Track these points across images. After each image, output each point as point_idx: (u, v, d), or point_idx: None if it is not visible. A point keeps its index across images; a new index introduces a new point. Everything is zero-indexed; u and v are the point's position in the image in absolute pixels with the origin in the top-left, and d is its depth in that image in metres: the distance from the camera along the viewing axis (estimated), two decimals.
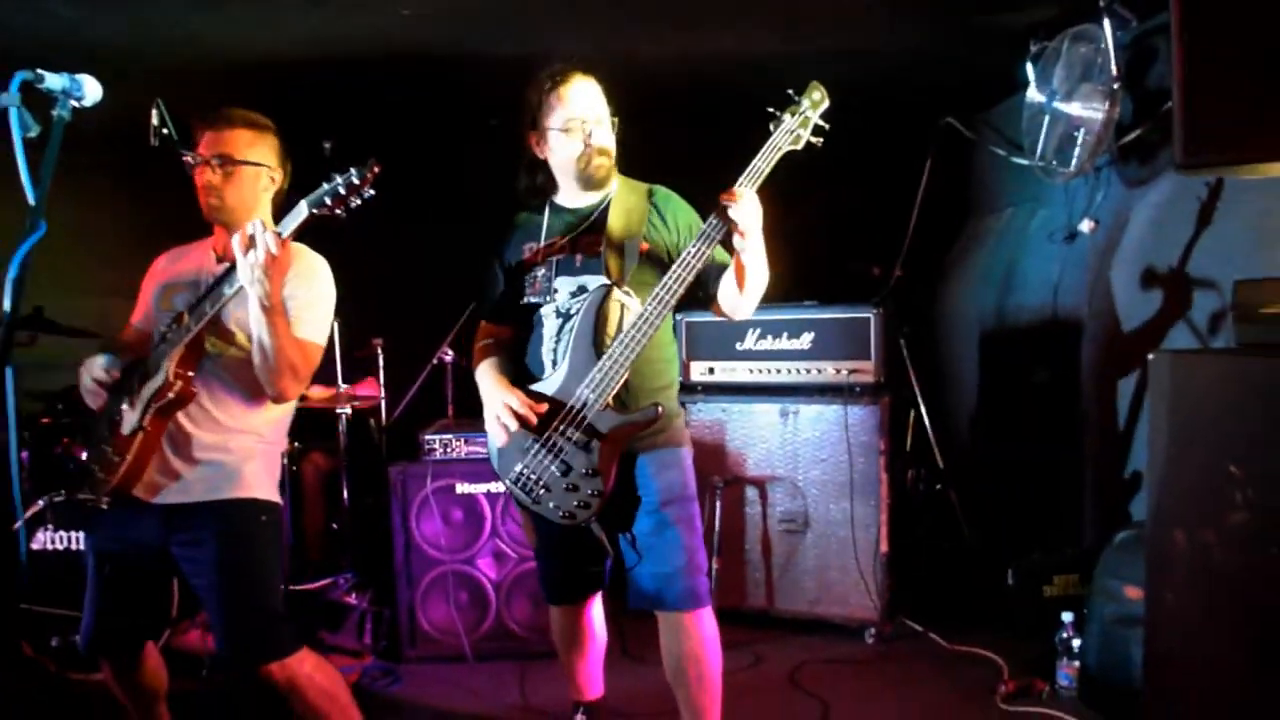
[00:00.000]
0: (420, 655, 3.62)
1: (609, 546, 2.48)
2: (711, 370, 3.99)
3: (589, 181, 2.50)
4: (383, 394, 4.19)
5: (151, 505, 2.40)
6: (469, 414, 3.90)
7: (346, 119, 4.63)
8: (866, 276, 4.50)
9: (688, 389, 3.98)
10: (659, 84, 4.13)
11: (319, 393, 3.96)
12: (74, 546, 3.61)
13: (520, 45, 3.63)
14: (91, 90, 1.74)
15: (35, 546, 3.62)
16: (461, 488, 3.62)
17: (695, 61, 4.04)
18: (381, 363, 4.19)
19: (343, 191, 2.18)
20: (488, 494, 3.62)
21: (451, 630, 3.60)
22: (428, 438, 3.70)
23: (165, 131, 3.11)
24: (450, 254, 3.88)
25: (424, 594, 3.63)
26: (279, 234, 2.22)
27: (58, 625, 3.50)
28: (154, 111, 3.08)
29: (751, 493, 3.88)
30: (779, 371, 3.90)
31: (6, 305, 1.43)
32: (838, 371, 3.80)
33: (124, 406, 2.38)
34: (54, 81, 1.64)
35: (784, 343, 3.87)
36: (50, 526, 3.62)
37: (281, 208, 2.49)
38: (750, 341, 3.93)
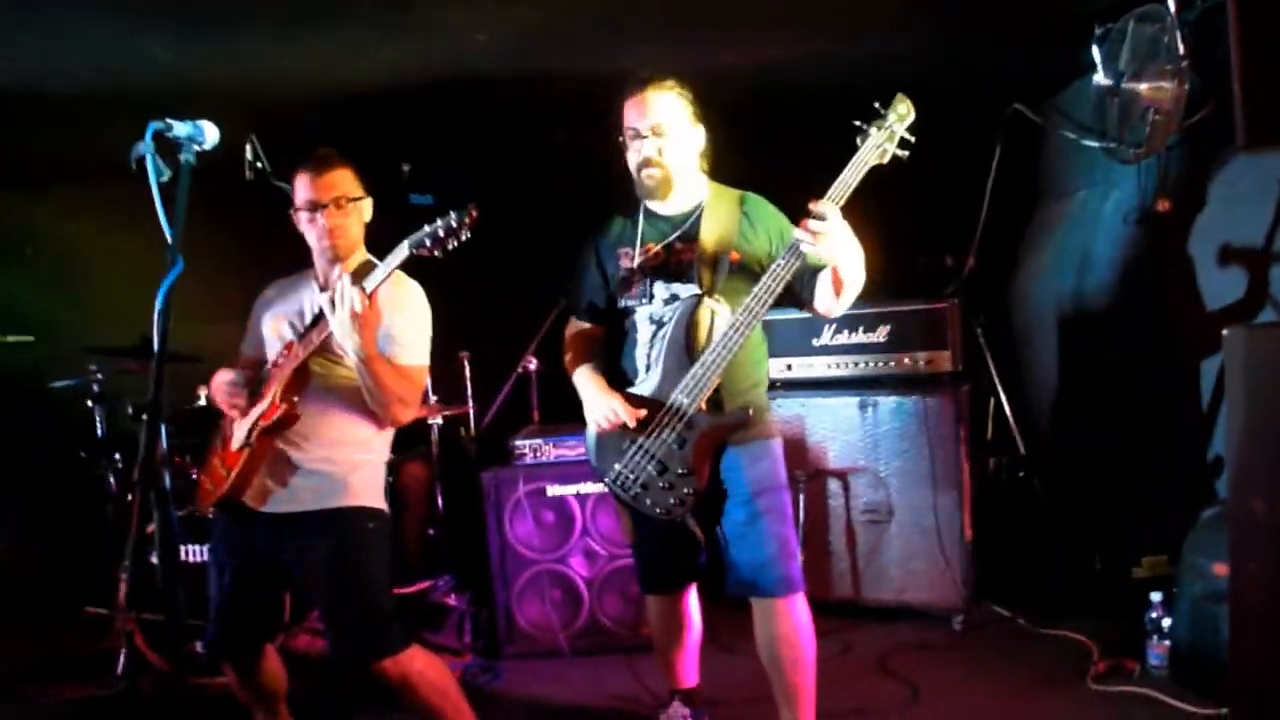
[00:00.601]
0: (518, 652, 3.77)
1: (703, 539, 2.59)
2: (789, 367, 4.07)
3: (644, 190, 2.60)
4: (471, 404, 4.36)
5: (263, 514, 2.58)
6: (555, 419, 4.06)
7: (425, 139, 4.82)
8: (940, 267, 4.52)
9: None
10: (740, 91, 4.22)
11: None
12: (190, 559, 3.83)
13: (592, 62, 3.76)
14: (211, 135, 1.91)
15: (154, 560, 3.86)
16: (552, 490, 3.76)
17: (768, 66, 4.12)
18: (469, 375, 4.36)
19: (442, 234, 2.33)
20: (577, 495, 3.75)
21: (547, 627, 3.74)
22: (517, 443, 3.85)
23: (260, 165, 3.32)
24: (529, 268, 4.04)
25: (520, 593, 3.78)
26: (364, 290, 2.38)
27: (184, 633, 3.73)
28: (248, 147, 3.29)
29: (834, 485, 3.95)
30: (857, 365, 3.97)
31: (155, 335, 1.59)
32: (915, 363, 3.86)
33: (236, 425, 2.58)
34: (180, 129, 1.82)
35: (861, 336, 3.94)
36: (176, 539, 3.84)
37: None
38: (827, 337, 4.00)
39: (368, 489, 2.67)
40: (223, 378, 2.63)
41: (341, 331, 2.40)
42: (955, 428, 3.76)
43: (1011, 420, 4.38)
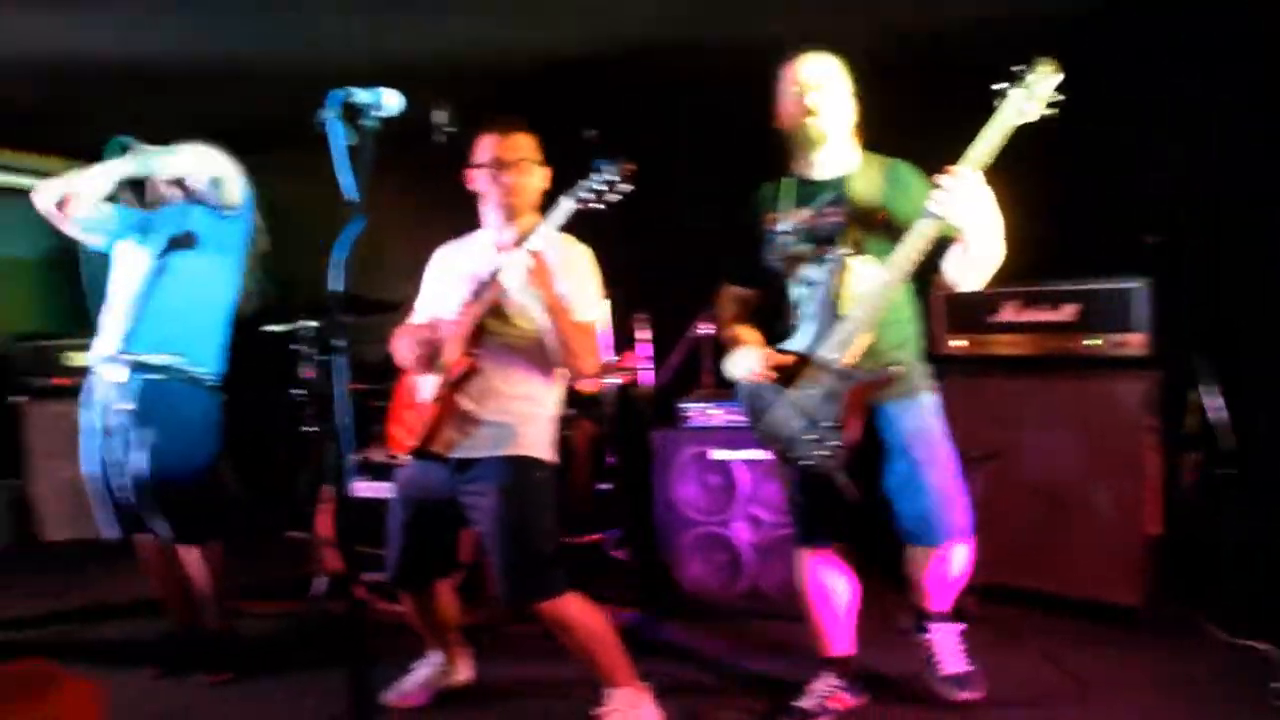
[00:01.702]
0: (680, 609, 3.86)
1: (857, 493, 2.67)
2: (968, 343, 3.94)
3: (807, 142, 2.69)
4: (646, 366, 4.46)
5: (445, 459, 2.78)
6: (725, 384, 4.10)
7: (609, 107, 4.91)
8: (1140, 245, 4.24)
9: (942, 361, 3.94)
10: (886, 57, 4.12)
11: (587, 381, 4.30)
12: (384, 496, 4.12)
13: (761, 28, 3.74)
14: (390, 101, 2.05)
15: (355, 495, 4.18)
16: (718, 454, 3.82)
17: (927, 31, 3.99)
18: (645, 337, 4.46)
19: (600, 188, 2.49)
20: (744, 461, 3.79)
21: (708, 588, 3.82)
22: (685, 406, 3.92)
23: (450, 130, 3.50)
24: (707, 232, 4.05)
25: (683, 553, 3.87)
26: (532, 251, 2.57)
27: (374, 562, 4.04)
28: (441, 113, 3.47)
29: (1009, 468, 3.80)
30: (1039, 344, 3.79)
31: (338, 284, 1.75)
32: (1102, 344, 3.65)
33: (423, 379, 2.78)
34: (362, 97, 1.96)
35: (1044, 314, 3.76)
36: (364, 477, 4.16)
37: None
38: (1008, 314, 3.84)
39: (538, 441, 2.83)
40: (407, 334, 2.84)
41: (523, 286, 2.58)
42: (1143, 416, 3.54)
43: (1216, 413, 4.07)
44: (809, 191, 2.74)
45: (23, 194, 6.16)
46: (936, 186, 2.43)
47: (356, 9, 3.46)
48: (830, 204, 2.69)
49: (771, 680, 3.24)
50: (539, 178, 2.85)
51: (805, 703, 2.92)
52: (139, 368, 3.21)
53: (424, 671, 3.23)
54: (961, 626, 2.99)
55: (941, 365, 3.85)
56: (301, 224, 3.45)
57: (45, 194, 3.19)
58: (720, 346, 4.16)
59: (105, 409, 3.25)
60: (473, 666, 3.30)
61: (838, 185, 2.71)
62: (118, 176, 3.20)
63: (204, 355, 3.33)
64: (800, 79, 2.66)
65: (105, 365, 3.26)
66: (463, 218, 3.00)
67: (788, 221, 2.75)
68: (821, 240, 2.69)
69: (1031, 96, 2.36)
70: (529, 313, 2.74)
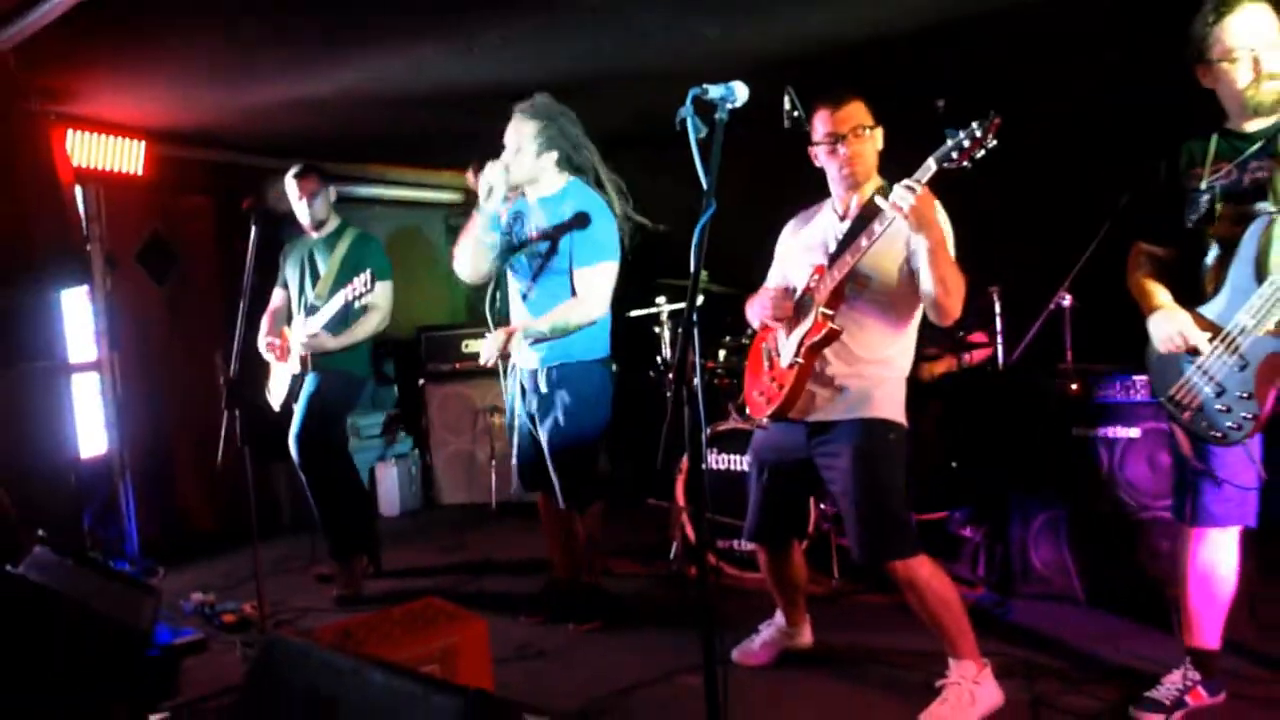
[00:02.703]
0: (1030, 592, 3.75)
1: (1263, 471, 2.50)
2: None
3: (1259, 108, 2.48)
4: (1000, 340, 4.33)
5: (800, 423, 2.93)
6: (1089, 358, 3.90)
7: (960, 75, 4.80)
8: None
9: None
10: None
11: (935, 367, 4.26)
12: (733, 468, 4.35)
13: None
14: (740, 93, 2.18)
15: (706, 466, 4.44)
16: (1076, 431, 3.65)
17: None
18: (998, 309, 4.33)
19: (966, 145, 2.46)
20: (1106, 439, 3.60)
21: (1063, 570, 3.67)
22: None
23: (796, 114, 3.61)
24: (1065, 198, 3.88)
25: (1036, 534, 3.74)
26: (912, 187, 2.51)
27: (722, 530, 4.29)
28: (786, 98, 3.59)
29: None
30: None
31: (693, 263, 1.93)
32: None
33: (780, 344, 2.93)
34: (715, 91, 2.12)
35: None
36: (716, 449, 4.40)
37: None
38: None
39: (890, 403, 2.90)
40: (766, 295, 3.00)
41: (917, 230, 2.55)
42: None
43: None
44: (1234, 145, 2.55)
45: (425, 206, 7.21)
46: None
47: (695, 10, 3.67)
48: (1256, 157, 2.49)
49: (1123, 669, 3.09)
50: (875, 141, 2.90)
51: (1159, 693, 2.76)
52: (545, 352, 3.62)
53: (769, 633, 3.41)
54: None
55: None
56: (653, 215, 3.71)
57: (458, 264, 3.75)
58: (1081, 316, 3.99)
59: (524, 387, 3.72)
60: (812, 632, 3.43)
61: (1267, 137, 2.49)
62: (486, 215, 3.60)
63: (592, 339, 3.68)
64: (1247, 38, 2.43)
65: (523, 352, 3.69)
66: (809, 195, 3.11)
67: (1210, 178, 2.56)
68: (1244, 198, 2.49)
69: None
70: (887, 269, 2.80)
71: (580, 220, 3.50)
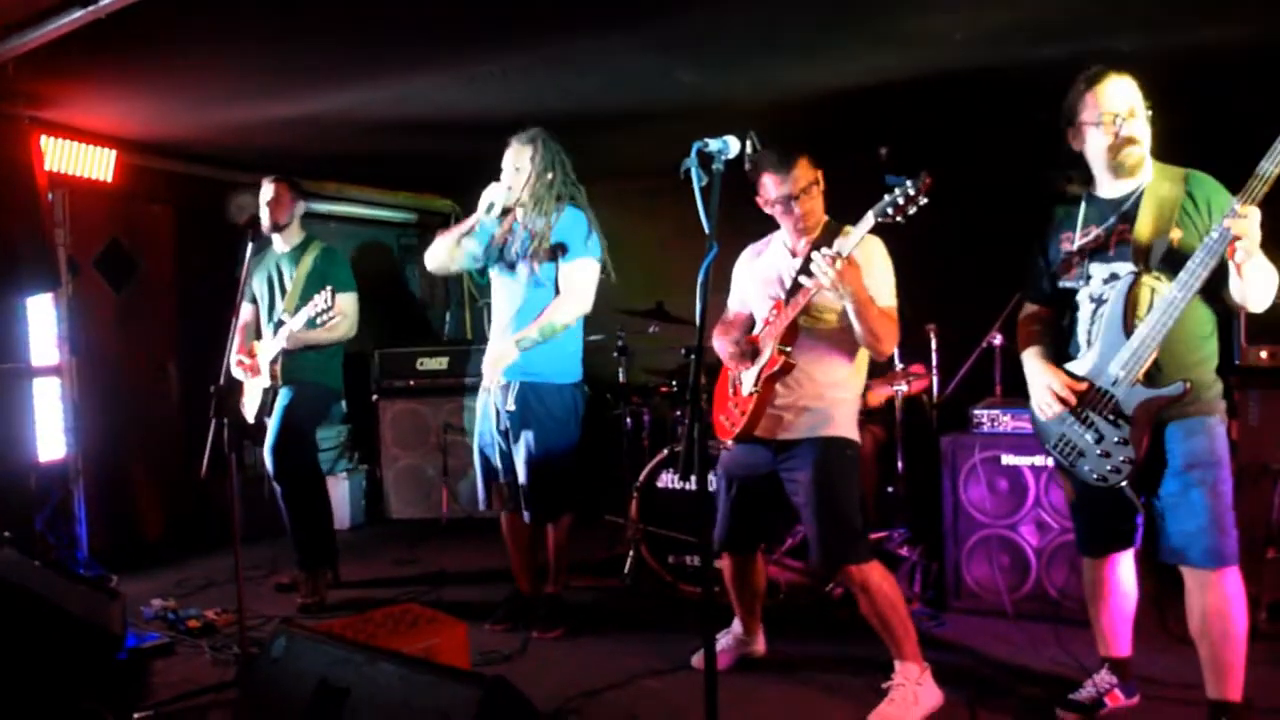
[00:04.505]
0: (963, 607, 4.06)
1: (1139, 505, 2.73)
2: (1269, 355, 3.84)
3: (1119, 169, 2.72)
4: (934, 373, 4.66)
5: (766, 441, 3.21)
6: (1015, 393, 4.22)
7: (900, 126, 5.15)
8: None
9: (1245, 373, 3.88)
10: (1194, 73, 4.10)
11: (877, 394, 4.56)
12: (686, 488, 4.56)
13: (1061, 49, 3.87)
14: (734, 146, 2.43)
15: (659, 485, 4.66)
16: (1007, 459, 3.98)
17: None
18: (934, 345, 4.66)
19: (901, 202, 2.76)
20: (1032, 466, 3.93)
21: (992, 588, 3.98)
22: (976, 412, 4.11)
23: (754, 156, 3.87)
24: (996, 245, 4.20)
25: (969, 553, 4.05)
26: (839, 255, 2.83)
27: (675, 546, 4.52)
28: (747, 142, 3.85)
29: None
30: None
31: (699, 300, 2.16)
32: None
33: (742, 374, 3.19)
34: (714, 145, 2.35)
35: None
36: (670, 470, 4.62)
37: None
38: None
39: (847, 422, 3.21)
40: (725, 334, 3.31)
41: (837, 293, 2.89)
42: None
43: None
44: (1100, 209, 2.78)
45: (380, 224, 7.34)
46: (1234, 197, 2.45)
47: (680, 60, 3.95)
48: (1120, 220, 2.71)
49: (1048, 675, 3.40)
50: (820, 187, 3.18)
51: (1081, 695, 3.07)
52: (519, 372, 3.83)
53: (725, 641, 3.65)
54: None
55: (1245, 376, 3.83)
56: (623, 244, 3.97)
57: (430, 253, 4.01)
58: (1009, 356, 4.33)
59: (496, 407, 3.90)
60: (765, 641, 3.69)
61: (1128, 201, 2.72)
62: (469, 225, 3.89)
63: (566, 363, 3.91)
64: (1111, 105, 2.65)
65: (502, 371, 3.87)
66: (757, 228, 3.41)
67: (1076, 240, 2.82)
68: (1110, 258, 2.72)
69: None
70: (835, 306, 3.08)
71: (568, 239, 3.80)
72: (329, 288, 4.03)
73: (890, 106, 4.84)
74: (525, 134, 3.83)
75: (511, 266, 3.89)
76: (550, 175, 3.80)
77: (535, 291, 3.84)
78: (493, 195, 3.74)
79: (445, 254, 3.97)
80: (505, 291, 3.95)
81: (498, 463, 3.97)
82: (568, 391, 3.91)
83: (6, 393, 4.66)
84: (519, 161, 3.79)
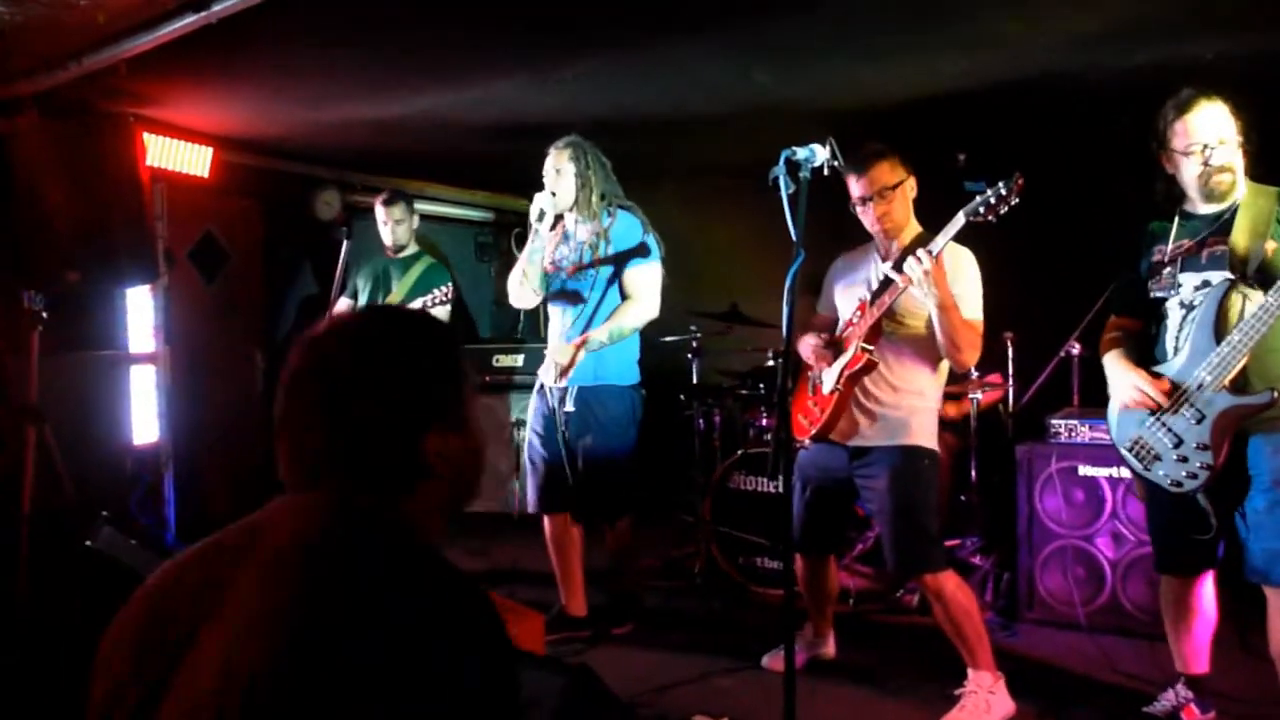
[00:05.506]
0: (1036, 618, 4.02)
1: (1214, 519, 2.70)
2: None
3: (1211, 195, 2.75)
4: (1010, 382, 4.63)
5: (842, 446, 3.23)
6: (1093, 403, 4.19)
7: (980, 132, 5.12)
8: None
9: None
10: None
11: (958, 407, 4.56)
12: (759, 489, 4.62)
13: (1152, 56, 3.84)
14: (820, 154, 2.49)
15: (731, 485, 4.71)
16: (1084, 470, 3.95)
17: None
18: (1011, 354, 4.62)
19: (993, 202, 2.78)
20: (1109, 478, 3.89)
21: (1066, 599, 3.95)
22: (1054, 421, 4.08)
23: (835, 163, 3.92)
24: (1078, 254, 4.17)
25: (1043, 563, 4.02)
26: (930, 252, 2.86)
27: (747, 548, 4.56)
28: (826, 147, 3.90)
29: None
30: None
31: (785, 306, 2.21)
32: None
33: (823, 372, 3.22)
34: (801, 153, 2.41)
35: None
36: (742, 471, 4.67)
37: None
38: None
39: (924, 431, 3.21)
40: (810, 335, 3.33)
41: (924, 292, 2.90)
42: None
43: None
44: (1193, 225, 2.82)
45: (458, 222, 7.49)
46: None
47: (758, 61, 3.98)
48: (1213, 234, 2.74)
49: (1121, 689, 3.38)
50: (903, 195, 3.20)
51: (1157, 708, 3.05)
52: (581, 374, 3.86)
53: (798, 642, 3.66)
54: None
55: None
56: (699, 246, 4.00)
57: (510, 293, 4.06)
58: (1088, 366, 4.29)
59: (552, 407, 3.95)
60: (835, 644, 3.71)
61: (1222, 217, 2.75)
62: (534, 243, 3.93)
63: (625, 366, 3.96)
64: (1200, 136, 2.69)
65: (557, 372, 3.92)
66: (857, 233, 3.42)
67: (1169, 252, 2.84)
68: (1203, 267, 2.74)
69: None
70: (919, 312, 3.10)
71: (627, 244, 3.84)
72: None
73: (968, 112, 4.82)
74: (561, 141, 3.88)
75: (568, 272, 3.95)
76: (592, 175, 3.84)
77: (593, 296, 3.88)
78: (541, 202, 3.79)
79: (518, 286, 4.00)
80: (563, 296, 4.00)
81: (555, 464, 3.93)
82: (627, 394, 3.94)
83: (107, 379, 4.86)
84: (559, 164, 3.84)
